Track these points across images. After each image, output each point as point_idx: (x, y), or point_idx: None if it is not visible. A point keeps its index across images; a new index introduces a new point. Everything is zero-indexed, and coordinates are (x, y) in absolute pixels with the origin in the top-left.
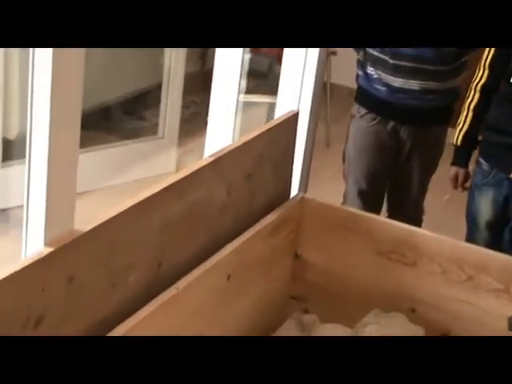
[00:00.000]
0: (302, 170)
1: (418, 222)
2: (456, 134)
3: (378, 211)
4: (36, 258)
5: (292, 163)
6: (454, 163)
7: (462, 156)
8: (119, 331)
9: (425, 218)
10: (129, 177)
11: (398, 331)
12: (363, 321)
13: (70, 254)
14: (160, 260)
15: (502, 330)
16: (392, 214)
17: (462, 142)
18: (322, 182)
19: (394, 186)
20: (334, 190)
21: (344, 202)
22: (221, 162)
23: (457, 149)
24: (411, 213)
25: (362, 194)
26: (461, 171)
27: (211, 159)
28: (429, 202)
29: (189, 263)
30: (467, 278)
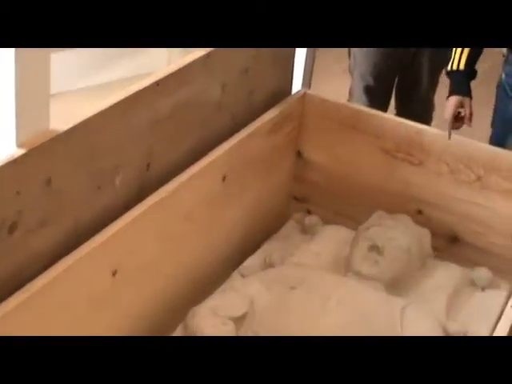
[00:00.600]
0: (306, 63)
1: (427, 119)
2: (457, 58)
3: (385, 108)
4: (8, 160)
5: (294, 56)
6: (454, 92)
7: (464, 83)
8: (105, 234)
9: (435, 114)
10: (113, 75)
11: (402, 233)
12: (367, 223)
13: (46, 156)
14: (149, 161)
15: (510, 233)
16: (400, 111)
17: (465, 65)
18: (330, 78)
19: (402, 80)
20: (342, 88)
21: (350, 99)
22: (213, 56)
23: (457, 75)
24: (420, 109)
25: (368, 90)
26: (466, 100)
27: (202, 53)
28: (440, 98)
29: (180, 164)
30: (476, 178)
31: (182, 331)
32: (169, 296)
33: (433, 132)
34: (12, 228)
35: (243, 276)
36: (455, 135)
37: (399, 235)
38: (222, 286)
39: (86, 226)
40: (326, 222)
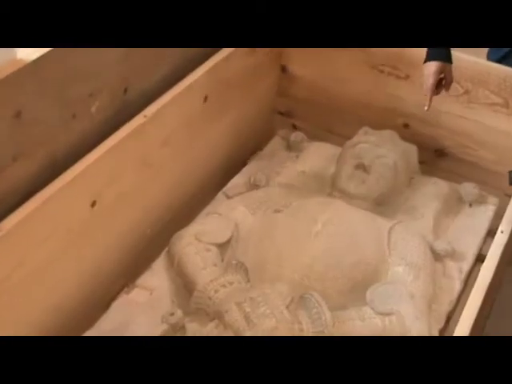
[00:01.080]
0: None
1: None
2: None
3: None
4: None
5: None
6: (432, 57)
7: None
8: (83, 163)
9: None
10: None
11: (389, 150)
12: (353, 140)
13: (13, 88)
14: (125, 85)
15: (499, 147)
16: None
17: None
18: None
19: None
20: None
21: None
22: None
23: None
24: None
25: None
26: (448, 66)
27: None
28: None
29: (159, 88)
30: (464, 91)
31: (165, 258)
32: (150, 224)
33: None
34: None
35: (228, 197)
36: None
37: (386, 153)
38: (207, 208)
39: (62, 158)
40: (312, 137)
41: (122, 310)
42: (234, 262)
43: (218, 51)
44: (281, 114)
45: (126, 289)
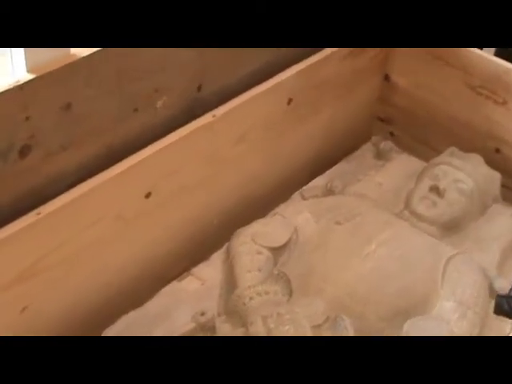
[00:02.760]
0: None
1: None
2: None
3: None
4: (13, 85)
5: None
6: None
7: None
8: (143, 154)
9: None
10: None
11: (468, 176)
12: (437, 159)
13: (63, 81)
14: (200, 82)
15: None
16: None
17: None
18: None
19: None
20: None
21: None
22: None
23: None
24: None
25: None
26: None
27: None
28: None
29: (240, 86)
30: None
31: (225, 251)
32: (217, 215)
33: None
34: (24, 152)
35: (304, 198)
36: None
37: (464, 178)
38: (280, 207)
39: (119, 149)
40: (406, 148)
41: (169, 296)
42: (275, 271)
43: (314, 52)
44: (380, 120)
45: (179, 277)
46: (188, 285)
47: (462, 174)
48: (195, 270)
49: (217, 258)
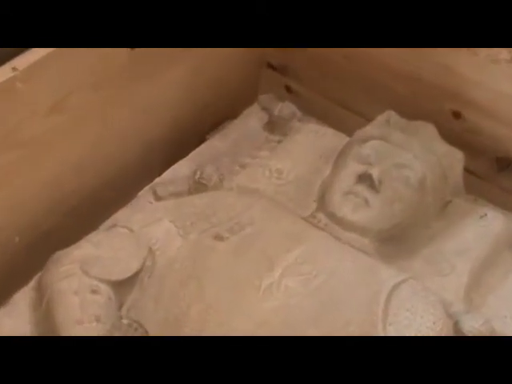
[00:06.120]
0: None
1: None
2: None
3: None
4: None
5: None
6: None
7: None
8: None
9: None
10: None
11: (416, 157)
12: (364, 131)
13: None
14: None
15: None
16: None
17: None
18: None
19: None
20: None
21: None
22: None
23: None
24: None
25: None
26: None
27: None
28: None
29: None
30: None
31: (33, 289)
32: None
33: None
34: None
35: (157, 197)
36: None
37: (411, 160)
38: (117, 214)
39: None
40: (311, 112)
41: None
42: (124, 320)
43: None
44: (272, 68)
45: None
46: None
47: (407, 155)
48: None
49: (21, 300)
